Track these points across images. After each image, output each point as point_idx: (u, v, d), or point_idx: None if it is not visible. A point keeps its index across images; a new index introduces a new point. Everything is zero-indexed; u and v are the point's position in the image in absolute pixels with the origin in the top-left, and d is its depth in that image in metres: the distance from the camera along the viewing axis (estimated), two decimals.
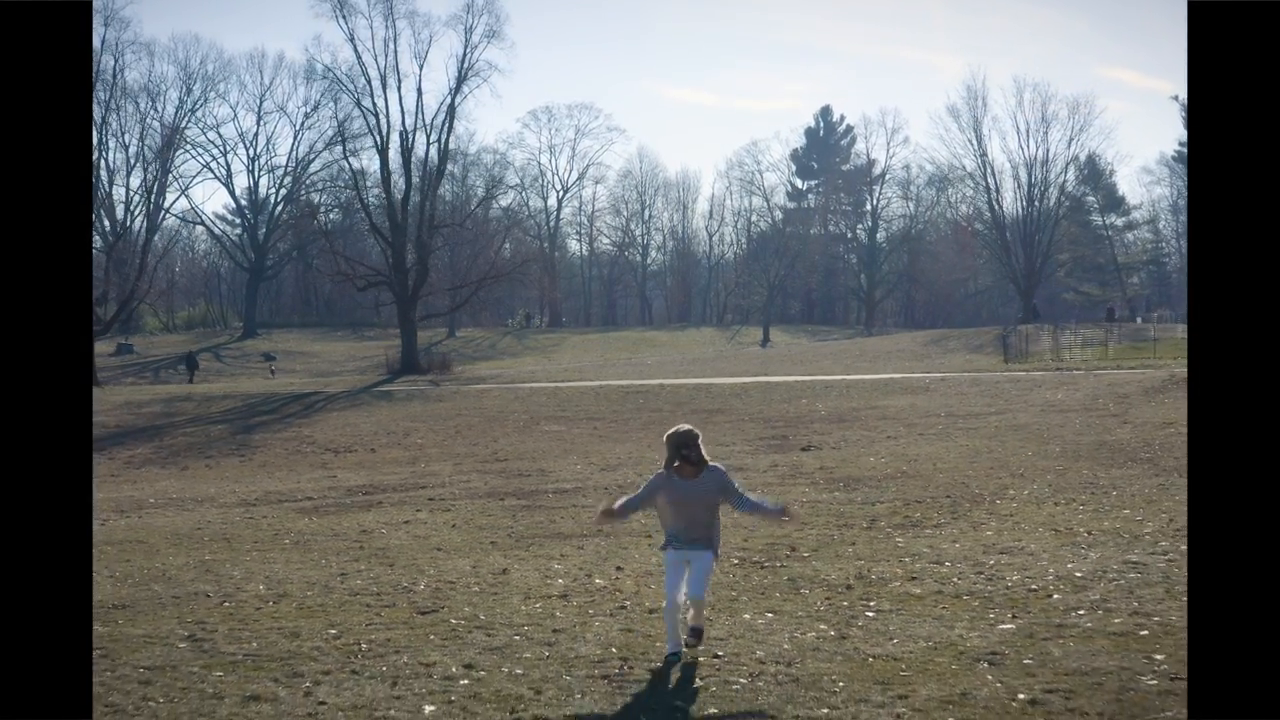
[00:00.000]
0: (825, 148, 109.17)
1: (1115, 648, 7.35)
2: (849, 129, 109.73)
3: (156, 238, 65.64)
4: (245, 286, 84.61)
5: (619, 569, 10.71)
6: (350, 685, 6.91)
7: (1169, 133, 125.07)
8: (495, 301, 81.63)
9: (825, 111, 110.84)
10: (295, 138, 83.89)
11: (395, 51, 55.33)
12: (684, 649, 7.30)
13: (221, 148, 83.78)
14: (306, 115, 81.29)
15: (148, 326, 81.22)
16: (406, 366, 50.07)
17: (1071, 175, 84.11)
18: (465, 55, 52.61)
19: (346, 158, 59.01)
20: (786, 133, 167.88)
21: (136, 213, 66.29)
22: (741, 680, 6.81)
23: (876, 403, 30.16)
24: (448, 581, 10.30)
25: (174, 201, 76.42)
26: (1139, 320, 66.33)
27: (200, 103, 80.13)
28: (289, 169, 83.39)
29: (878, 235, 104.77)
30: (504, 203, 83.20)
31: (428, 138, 53.84)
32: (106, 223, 67.31)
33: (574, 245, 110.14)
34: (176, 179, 74.34)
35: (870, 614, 8.51)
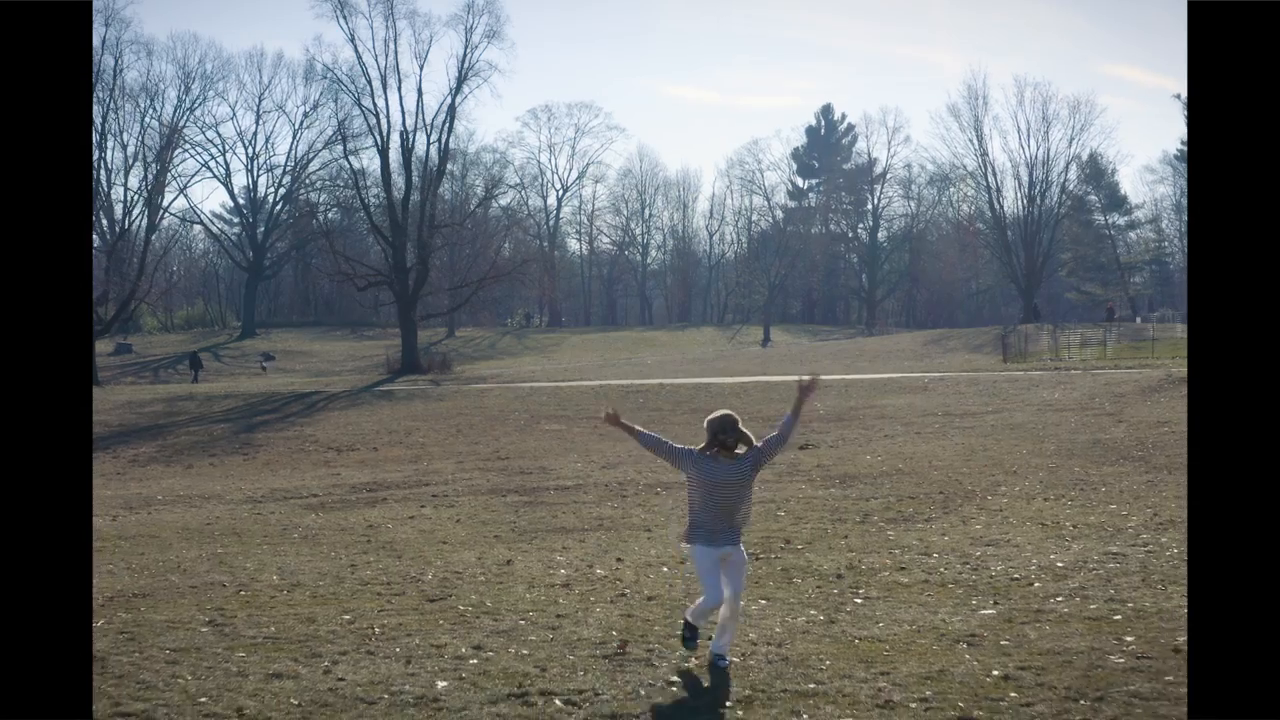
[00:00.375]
0: (826, 146, 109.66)
1: (1088, 630, 7.85)
2: (850, 127, 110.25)
3: (155, 237, 66.05)
4: (244, 286, 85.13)
5: (619, 560, 11.21)
6: (367, 664, 7.43)
7: (1172, 131, 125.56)
8: (494, 301, 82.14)
9: (826, 110, 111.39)
10: (294, 137, 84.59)
11: (395, 51, 55.89)
12: (708, 656, 7.22)
13: (220, 147, 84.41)
14: (305, 114, 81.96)
15: (146, 326, 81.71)
16: (407, 366, 50.57)
17: (1073, 175, 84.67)
18: (465, 55, 53.17)
19: (347, 157, 59.54)
20: (787, 131, 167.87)
21: (136, 213, 66.80)
22: (734, 659, 7.31)
23: (875, 402, 30.66)
24: (454, 572, 10.81)
25: (172, 201, 76.87)
26: (1138, 320, 66.82)
27: (199, 102, 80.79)
28: (288, 168, 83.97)
29: (879, 235, 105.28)
30: (503, 202, 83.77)
31: (428, 138, 54.41)
32: (105, 222, 67.84)
33: (574, 244, 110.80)
34: (175, 178, 74.85)
35: (858, 600, 9.02)
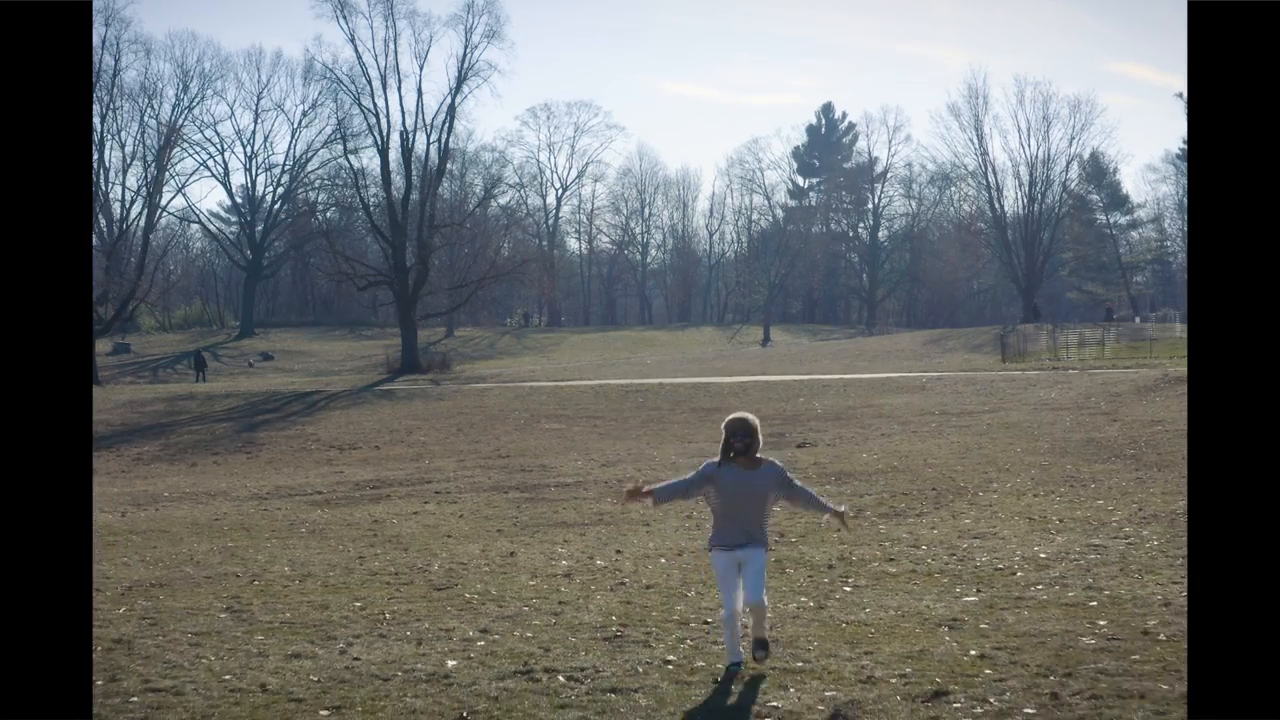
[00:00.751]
0: (827, 145, 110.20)
1: (1064, 615, 8.35)
2: (851, 126, 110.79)
3: (153, 237, 66.58)
4: (242, 285, 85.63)
5: (619, 552, 11.72)
6: (380, 646, 7.93)
7: (1175, 129, 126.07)
8: (493, 301, 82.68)
9: (827, 109, 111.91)
10: (293, 136, 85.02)
11: (395, 51, 56.38)
12: (751, 661, 7.09)
13: (219, 146, 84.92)
14: (304, 113, 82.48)
15: (144, 326, 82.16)
16: (407, 366, 51.06)
17: (1074, 174, 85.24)
18: (465, 55, 53.68)
19: (347, 156, 60.05)
20: (788, 130, 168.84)
21: (134, 212, 67.31)
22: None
23: (873, 401, 31.14)
24: (459, 563, 11.31)
25: (170, 200, 77.39)
26: (1137, 320, 67.33)
27: (197, 100, 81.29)
28: (286, 167, 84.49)
29: (879, 234, 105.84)
30: (503, 201, 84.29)
31: (428, 137, 54.91)
32: (103, 222, 68.33)
33: (573, 244, 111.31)
34: (173, 176, 75.38)
35: (847, 589, 9.52)
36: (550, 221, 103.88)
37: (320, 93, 73.86)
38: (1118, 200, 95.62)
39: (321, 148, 78.81)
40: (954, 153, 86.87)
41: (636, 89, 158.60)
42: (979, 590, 9.32)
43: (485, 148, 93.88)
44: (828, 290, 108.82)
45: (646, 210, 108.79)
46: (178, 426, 32.51)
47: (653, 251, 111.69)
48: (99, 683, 7.17)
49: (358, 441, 28.03)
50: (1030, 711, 6.13)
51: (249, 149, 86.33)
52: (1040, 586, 9.38)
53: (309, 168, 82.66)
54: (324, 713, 6.42)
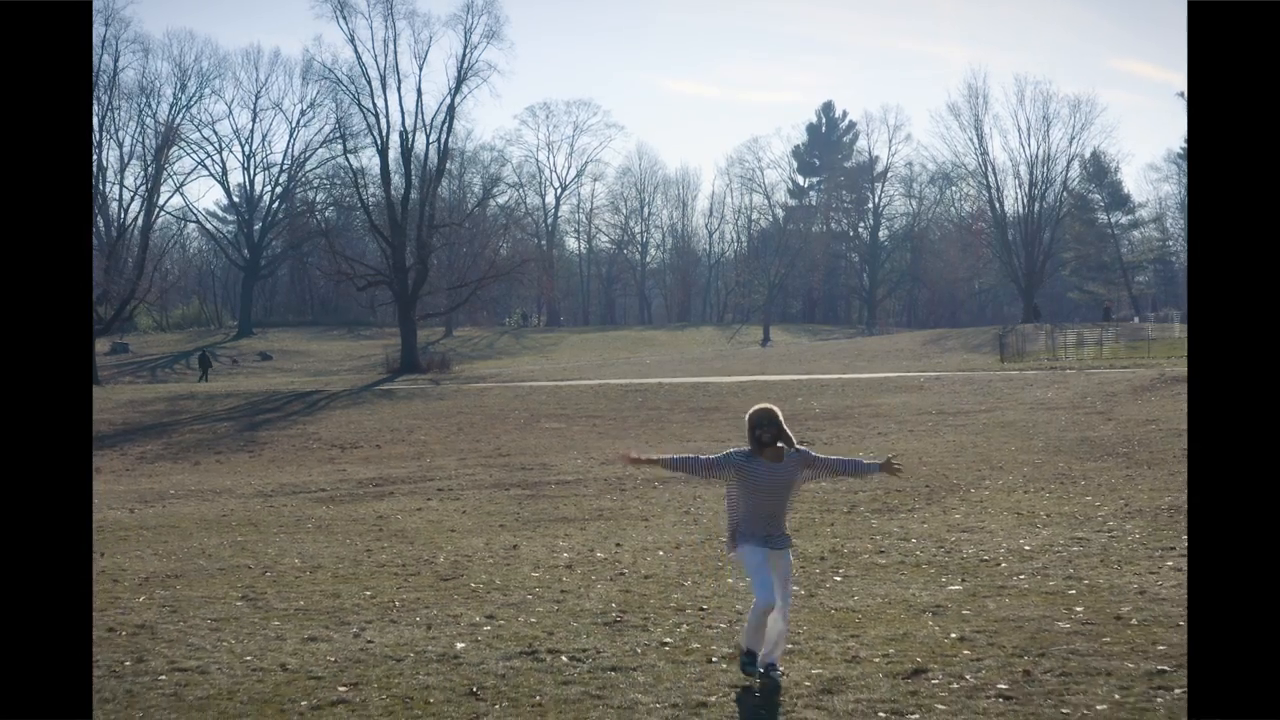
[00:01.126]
0: (827, 144, 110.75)
1: (1043, 602, 8.84)
2: (851, 125, 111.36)
3: (152, 236, 67.11)
4: (240, 285, 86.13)
5: (618, 545, 12.21)
6: (391, 630, 8.42)
7: (1178, 128, 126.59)
8: (492, 301, 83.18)
9: (827, 107, 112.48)
10: (291, 135, 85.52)
11: (395, 52, 56.90)
12: (765, 674, 6.95)
13: (217, 145, 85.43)
14: (303, 112, 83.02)
15: (141, 325, 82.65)
16: (406, 365, 51.56)
17: (1073, 173, 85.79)
18: (465, 56, 54.21)
19: (346, 156, 60.55)
20: (788, 129, 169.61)
21: (132, 211, 67.80)
22: (721, 625, 8.31)
23: (871, 401, 31.63)
24: (464, 556, 11.81)
25: (168, 199, 77.90)
26: (1135, 320, 67.84)
27: (195, 99, 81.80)
28: (284, 166, 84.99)
29: (880, 233, 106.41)
30: (501, 201, 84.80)
31: (427, 138, 55.42)
32: (101, 222, 68.81)
33: (572, 243, 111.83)
34: (170, 176, 75.87)
35: (837, 578, 10.01)
36: (549, 221, 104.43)
37: (319, 92, 74.49)
38: (1119, 199, 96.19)
39: (320, 147, 79.41)
40: (954, 152, 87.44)
41: (636, 87, 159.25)
42: (964, 580, 9.81)
43: (484, 147, 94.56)
44: (828, 290, 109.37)
45: (646, 209, 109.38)
46: (179, 426, 33.00)
47: (652, 251, 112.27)
48: (126, 663, 7.66)
49: (359, 440, 28.51)
50: (1003, 687, 6.62)
51: (247, 148, 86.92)
52: (1023, 576, 9.87)
53: (307, 167, 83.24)
54: (342, 689, 6.91)
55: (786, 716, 6.27)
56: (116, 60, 65.03)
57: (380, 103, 54.14)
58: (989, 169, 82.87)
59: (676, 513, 14.80)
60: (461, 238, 63.27)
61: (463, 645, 7.88)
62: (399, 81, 57.29)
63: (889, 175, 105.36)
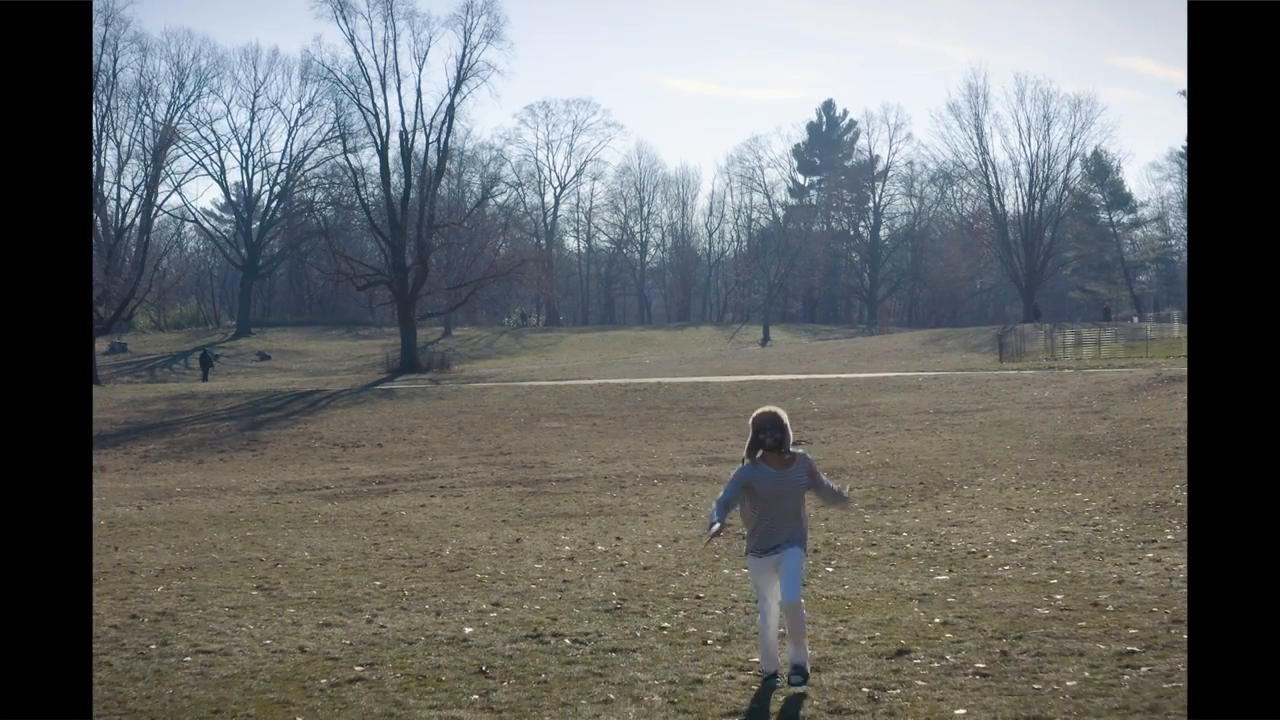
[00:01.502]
0: (828, 143, 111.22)
1: (1025, 591, 9.33)
2: (852, 124, 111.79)
3: (150, 236, 67.62)
4: (238, 284, 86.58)
5: (618, 539, 12.70)
6: (402, 616, 8.92)
7: (1180, 126, 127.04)
8: (491, 300, 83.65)
9: (828, 106, 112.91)
10: (289, 134, 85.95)
11: (395, 52, 57.20)
12: (787, 684, 6.80)
13: (215, 144, 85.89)
14: (301, 111, 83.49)
15: (139, 325, 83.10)
16: (406, 365, 52.02)
17: (1073, 173, 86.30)
18: (464, 56, 54.65)
19: (346, 156, 61.02)
20: (788, 128, 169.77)
21: (130, 211, 68.29)
22: (716, 611, 8.80)
23: (869, 400, 32.12)
24: (469, 549, 12.30)
25: (166, 198, 78.38)
26: (1134, 320, 68.35)
27: (193, 98, 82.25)
28: (283, 166, 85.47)
29: (880, 232, 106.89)
30: (501, 200, 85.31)
31: (427, 138, 55.87)
32: (99, 221, 69.30)
33: (571, 242, 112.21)
34: (168, 175, 76.35)
35: (829, 569, 10.50)
36: (548, 220, 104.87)
37: (318, 91, 74.95)
38: (1121, 199, 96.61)
39: (319, 146, 79.87)
40: (954, 151, 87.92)
41: (636, 84, 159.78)
42: (951, 570, 10.29)
43: (483, 146, 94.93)
44: (828, 290, 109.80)
45: (645, 209, 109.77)
46: (181, 425, 33.47)
47: (652, 250, 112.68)
48: (152, 646, 8.15)
49: (361, 440, 28.99)
50: (981, 666, 7.10)
51: (245, 147, 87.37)
52: (1007, 567, 10.36)
53: (306, 166, 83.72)
54: (359, 668, 7.40)
55: (776, 692, 6.75)
56: (115, 60, 65.56)
57: (380, 103, 54.61)
58: (989, 168, 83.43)
59: (675, 508, 15.28)
60: (461, 237, 63.74)
61: (471, 629, 8.37)
62: (399, 81, 57.65)
63: (890, 174, 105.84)
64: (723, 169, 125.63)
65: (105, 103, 64.76)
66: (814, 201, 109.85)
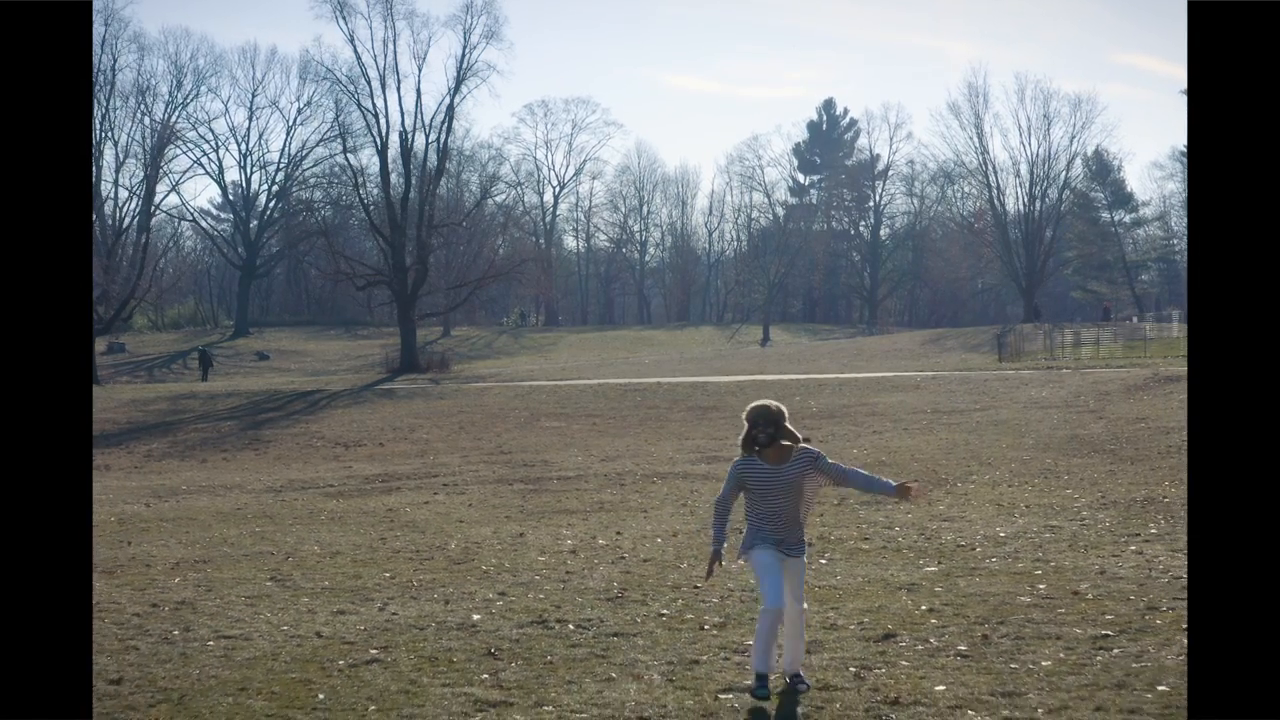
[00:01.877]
0: (828, 142, 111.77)
1: (1010, 581, 9.81)
2: (852, 122, 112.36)
3: (148, 235, 68.08)
4: (236, 284, 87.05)
5: (619, 534, 13.19)
6: (413, 604, 9.40)
7: (1183, 124, 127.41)
8: (490, 300, 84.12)
9: (828, 105, 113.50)
10: (288, 134, 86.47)
11: (394, 52, 57.83)
12: (769, 694, 6.52)
13: (213, 143, 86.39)
14: (300, 110, 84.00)
15: (137, 325, 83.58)
16: (406, 365, 52.54)
17: (1074, 172, 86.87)
18: (464, 56, 55.22)
19: (346, 155, 61.53)
20: (788, 126, 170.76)
21: (129, 211, 68.82)
22: (713, 600, 9.29)
23: (867, 400, 32.60)
24: (474, 543, 12.79)
25: (164, 198, 78.84)
26: (1134, 320, 68.84)
27: (191, 97, 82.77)
28: (281, 165, 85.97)
29: (881, 232, 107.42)
30: (500, 199, 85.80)
31: (426, 138, 56.40)
32: (96, 221, 69.79)
33: (570, 242, 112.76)
34: (166, 174, 76.82)
35: (823, 561, 10.98)
36: (547, 219, 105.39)
37: (317, 91, 75.47)
38: (1122, 198, 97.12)
39: (317, 145, 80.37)
40: (955, 151, 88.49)
41: (635, 82, 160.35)
42: (940, 562, 10.77)
43: (482, 145, 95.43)
44: (828, 289, 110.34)
45: (645, 208, 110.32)
46: (183, 424, 33.96)
47: (651, 250, 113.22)
48: (175, 632, 8.62)
49: (362, 439, 29.47)
50: (962, 649, 7.59)
51: (243, 146, 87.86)
52: (994, 559, 10.84)
53: (304, 166, 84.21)
54: (374, 650, 7.89)
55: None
56: (115, 61, 66.04)
57: (379, 103, 55.16)
58: (990, 168, 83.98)
59: (674, 505, 15.76)
60: (460, 237, 64.29)
61: (479, 616, 8.86)
62: (398, 81, 58.23)
63: (890, 173, 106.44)
64: (722, 168, 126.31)
65: (104, 103, 65.25)
66: (814, 201, 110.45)
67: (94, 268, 47.72)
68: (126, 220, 70.23)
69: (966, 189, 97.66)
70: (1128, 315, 79.92)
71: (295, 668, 7.51)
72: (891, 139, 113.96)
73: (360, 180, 61.87)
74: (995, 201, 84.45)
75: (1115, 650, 7.42)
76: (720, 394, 35.24)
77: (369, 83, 54.82)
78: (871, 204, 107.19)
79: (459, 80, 55.27)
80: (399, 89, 68.54)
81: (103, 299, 52.05)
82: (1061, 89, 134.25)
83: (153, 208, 70.11)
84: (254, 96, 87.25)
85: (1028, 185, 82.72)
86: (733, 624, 8.45)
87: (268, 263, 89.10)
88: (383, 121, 55.29)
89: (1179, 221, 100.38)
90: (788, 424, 6.89)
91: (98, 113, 63.72)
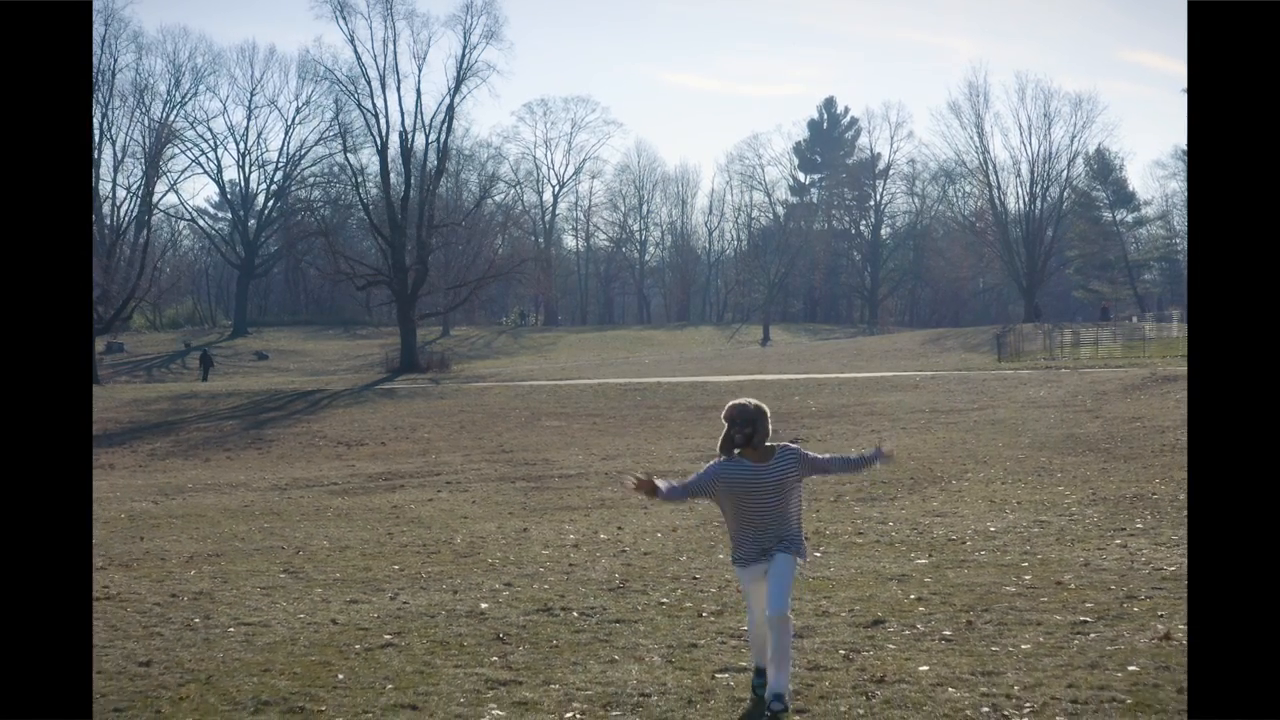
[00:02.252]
0: (829, 140, 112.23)
1: (997, 572, 10.28)
2: (853, 121, 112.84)
3: (147, 235, 68.58)
4: (235, 284, 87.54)
5: (620, 529, 13.68)
6: (423, 595, 9.88)
7: (1185, 122, 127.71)
8: (489, 299, 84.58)
9: (829, 103, 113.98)
10: (287, 133, 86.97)
11: (395, 52, 58.31)
12: (768, 709, 6.31)
13: (211, 143, 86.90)
14: (298, 110, 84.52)
15: (135, 324, 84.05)
16: (406, 365, 53.03)
17: (1075, 171, 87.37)
18: (464, 56, 55.73)
19: (346, 155, 62.02)
20: (789, 125, 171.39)
21: (127, 210, 69.27)
22: (711, 589, 9.77)
23: (866, 399, 33.08)
24: (479, 537, 13.27)
25: (162, 197, 79.38)
26: (1133, 320, 69.32)
27: (189, 96, 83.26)
28: (279, 164, 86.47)
29: (882, 231, 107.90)
30: (499, 199, 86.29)
31: (426, 138, 56.90)
32: (96, 221, 70.27)
33: (570, 241, 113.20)
34: (164, 173, 77.32)
35: (817, 554, 11.45)
36: (547, 219, 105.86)
37: (316, 91, 75.96)
38: (1124, 197, 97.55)
39: (316, 144, 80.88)
40: (955, 150, 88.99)
41: (635, 80, 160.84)
42: (930, 555, 11.25)
43: (482, 144, 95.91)
44: (829, 289, 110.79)
45: (645, 207, 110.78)
46: (185, 424, 34.43)
47: (651, 249, 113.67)
48: (196, 620, 9.10)
49: (364, 438, 29.95)
50: (947, 634, 8.06)
51: (242, 146, 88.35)
52: (983, 552, 11.32)
53: (303, 165, 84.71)
54: (388, 636, 8.37)
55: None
56: (115, 61, 66.53)
57: (379, 103, 55.66)
58: (990, 167, 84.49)
59: (673, 503, 16.21)
60: (459, 236, 64.74)
61: (486, 605, 9.34)
62: (398, 81, 58.74)
63: (891, 172, 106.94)
64: (723, 167, 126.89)
65: (103, 103, 65.71)
66: (815, 200, 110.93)
67: (94, 268, 48.21)
68: (125, 220, 70.76)
69: (967, 188, 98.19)
70: (1129, 315, 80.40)
71: (314, 651, 7.98)
72: (892, 138, 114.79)
73: (360, 180, 62.40)
74: (996, 201, 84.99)
75: (1092, 634, 7.89)
76: (720, 394, 35.71)
77: (369, 82, 55.37)
78: (872, 203, 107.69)
79: (459, 80, 55.81)
80: (399, 89, 69.13)
81: (102, 299, 52.53)
82: (1062, 87, 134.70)
83: (151, 207, 70.57)
84: (252, 96, 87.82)
85: (1028, 184, 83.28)
86: (729, 611, 8.92)
87: (266, 262, 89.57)
88: (382, 121, 55.83)
89: (1181, 220, 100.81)
90: (768, 423, 6.62)
91: (97, 113, 64.18)
